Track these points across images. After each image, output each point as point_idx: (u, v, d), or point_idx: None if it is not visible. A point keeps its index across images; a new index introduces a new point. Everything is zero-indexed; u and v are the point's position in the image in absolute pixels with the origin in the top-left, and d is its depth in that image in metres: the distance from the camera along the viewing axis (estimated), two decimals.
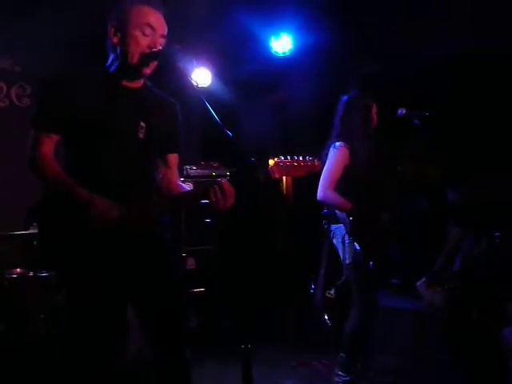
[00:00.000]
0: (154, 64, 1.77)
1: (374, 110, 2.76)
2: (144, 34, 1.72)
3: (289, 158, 1.69)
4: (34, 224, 3.03)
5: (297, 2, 3.68)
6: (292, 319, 3.85)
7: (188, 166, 3.99)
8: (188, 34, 3.40)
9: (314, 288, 3.50)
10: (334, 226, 2.73)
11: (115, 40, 1.75)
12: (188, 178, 3.92)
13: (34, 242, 2.98)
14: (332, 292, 3.40)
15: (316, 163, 1.73)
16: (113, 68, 1.79)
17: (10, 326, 2.80)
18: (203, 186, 1.69)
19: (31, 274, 2.99)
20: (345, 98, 2.77)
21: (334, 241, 2.75)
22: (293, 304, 3.93)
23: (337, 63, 4.12)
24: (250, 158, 1.60)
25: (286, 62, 4.18)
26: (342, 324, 2.81)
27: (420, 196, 3.59)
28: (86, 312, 1.73)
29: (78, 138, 1.74)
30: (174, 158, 1.95)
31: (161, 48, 1.75)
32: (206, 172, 4.01)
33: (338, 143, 2.65)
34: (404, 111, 2.85)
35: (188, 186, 1.98)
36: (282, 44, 4.09)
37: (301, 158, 1.70)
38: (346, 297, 2.84)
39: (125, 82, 1.80)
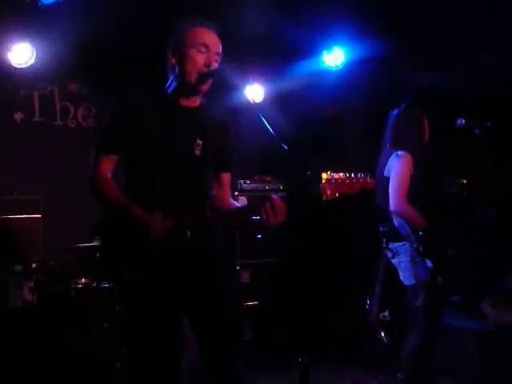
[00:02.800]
0: (210, 81, 1.84)
1: (426, 122, 2.71)
2: (199, 52, 1.82)
3: (341, 174, 1.66)
4: (97, 237, 3.18)
5: (348, 15, 3.69)
6: (347, 334, 3.77)
7: (242, 180, 4.05)
8: (243, 51, 3.49)
9: (370, 304, 3.42)
10: (395, 245, 2.62)
11: (173, 61, 1.85)
12: (242, 192, 3.97)
13: (97, 255, 3.12)
14: (386, 314, 3.29)
15: (369, 180, 1.69)
16: (172, 88, 1.88)
17: (76, 334, 2.94)
18: (256, 200, 1.71)
19: (94, 284, 3.14)
20: (396, 111, 2.74)
21: (396, 260, 2.64)
22: (347, 319, 3.85)
23: (389, 75, 4.06)
24: (306, 171, 1.61)
25: (338, 76, 4.18)
26: (398, 342, 2.71)
27: (487, 208, 3.43)
28: (143, 325, 1.79)
29: (138, 157, 1.83)
30: (226, 177, 2.02)
31: (216, 66, 1.83)
32: (260, 186, 4.05)
33: (400, 152, 2.59)
34: (463, 121, 2.76)
35: (241, 201, 2.02)
36: (334, 57, 4.10)
37: (353, 175, 1.67)
38: (402, 317, 2.74)
39: (183, 102, 1.88)
